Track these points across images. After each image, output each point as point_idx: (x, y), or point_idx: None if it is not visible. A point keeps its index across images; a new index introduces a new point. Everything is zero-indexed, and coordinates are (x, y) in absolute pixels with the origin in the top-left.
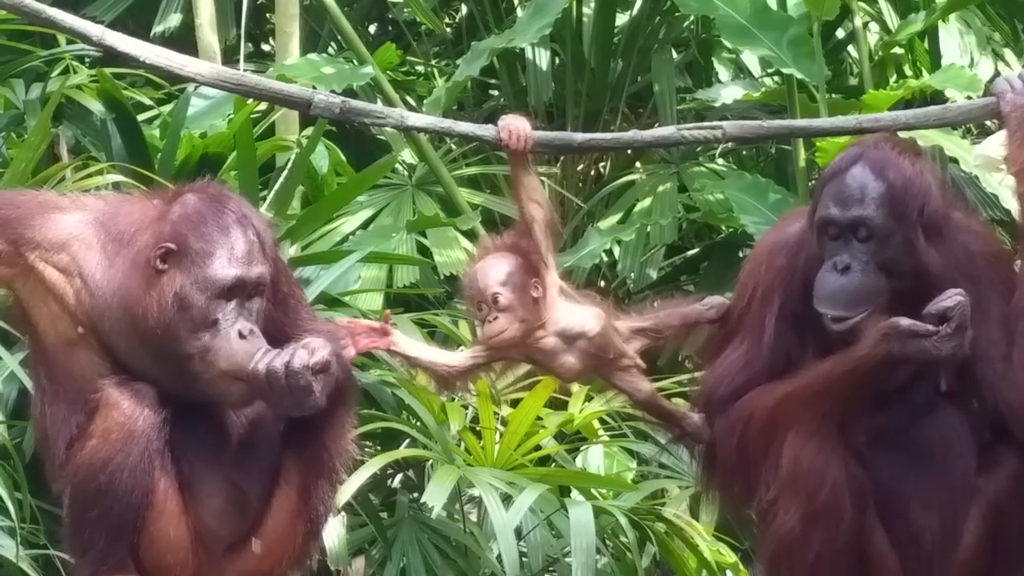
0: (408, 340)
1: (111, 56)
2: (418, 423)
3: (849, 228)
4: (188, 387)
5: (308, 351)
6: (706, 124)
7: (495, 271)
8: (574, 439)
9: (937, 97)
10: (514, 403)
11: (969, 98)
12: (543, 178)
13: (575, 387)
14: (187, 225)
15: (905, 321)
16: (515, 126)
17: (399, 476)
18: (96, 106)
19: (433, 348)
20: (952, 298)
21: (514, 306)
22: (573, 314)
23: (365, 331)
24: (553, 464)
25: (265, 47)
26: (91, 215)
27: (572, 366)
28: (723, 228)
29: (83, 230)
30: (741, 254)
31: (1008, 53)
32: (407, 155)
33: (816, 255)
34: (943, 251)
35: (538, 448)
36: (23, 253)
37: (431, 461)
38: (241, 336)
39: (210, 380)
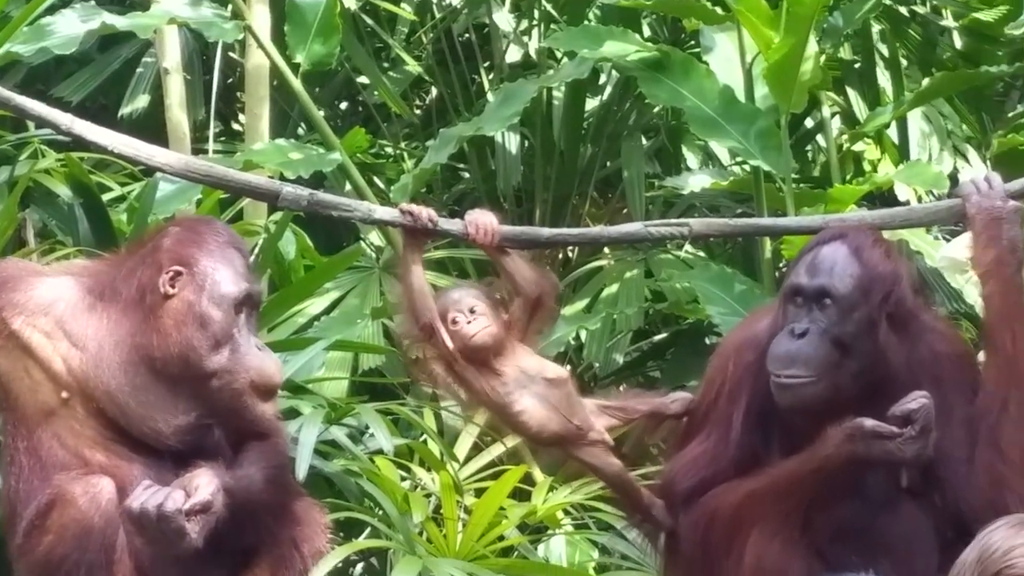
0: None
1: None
2: (380, 512)
3: (813, 296)
4: (208, 410)
5: (186, 492)
6: (673, 221)
7: (469, 292)
8: (537, 529)
9: None
10: (478, 493)
11: (933, 195)
12: None
13: (540, 477)
14: (189, 247)
15: (869, 422)
16: (482, 221)
17: (361, 565)
18: (64, 190)
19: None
20: (916, 400)
21: (489, 314)
22: (534, 358)
23: None
24: (515, 555)
25: (236, 126)
26: (72, 278)
27: (534, 410)
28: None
29: (66, 291)
30: (708, 341)
31: (969, 149)
32: (374, 237)
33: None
34: (908, 349)
35: (501, 539)
36: (6, 319)
37: (393, 550)
38: (259, 348)
39: (232, 395)
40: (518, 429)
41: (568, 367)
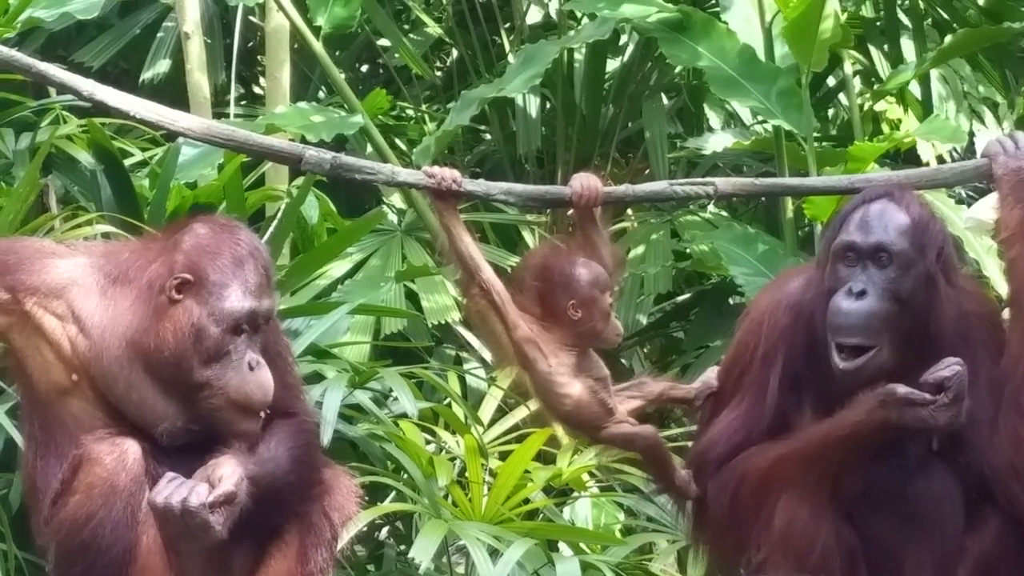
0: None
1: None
2: (405, 476)
3: (869, 254)
4: (194, 417)
5: (210, 484)
6: (698, 180)
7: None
8: (562, 492)
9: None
10: (502, 456)
11: (955, 151)
12: (533, 226)
13: (564, 439)
14: (203, 256)
15: (902, 388)
16: (587, 183)
17: (386, 528)
18: (85, 156)
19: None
20: (950, 367)
21: None
22: (594, 357)
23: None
24: (541, 517)
25: (256, 90)
26: (88, 259)
27: (571, 394)
28: (713, 275)
29: (81, 274)
30: (731, 301)
31: (985, 111)
32: (396, 199)
33: (821, 306)
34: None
35: (526, 502)
36: (21, 300)
37: (418, 514)
38: (251, 368)
39: (218, 409)
40: (553, 404)
41: None
